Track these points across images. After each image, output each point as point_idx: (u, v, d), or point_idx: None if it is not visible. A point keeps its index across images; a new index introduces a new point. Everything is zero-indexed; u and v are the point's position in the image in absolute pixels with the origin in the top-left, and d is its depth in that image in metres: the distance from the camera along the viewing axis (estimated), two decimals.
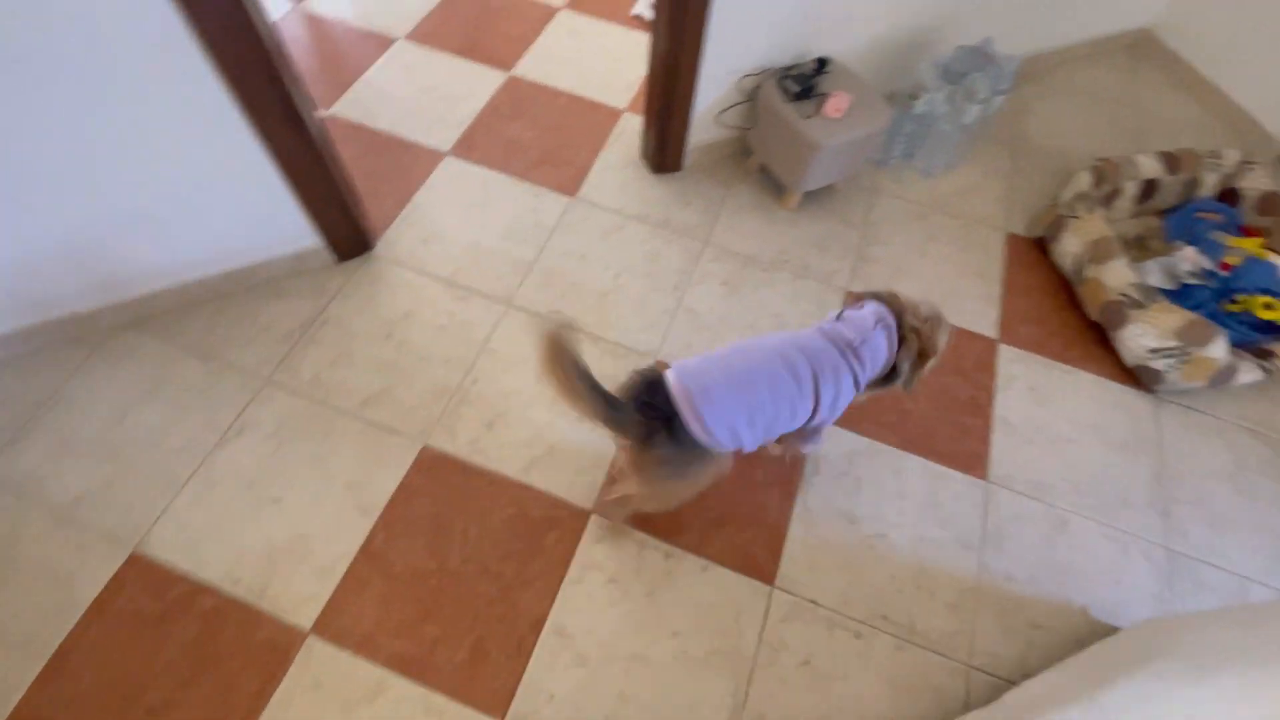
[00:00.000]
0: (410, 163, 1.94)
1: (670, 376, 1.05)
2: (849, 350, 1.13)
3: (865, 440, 1.56)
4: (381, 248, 1.76)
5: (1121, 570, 1.45)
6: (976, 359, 1.71)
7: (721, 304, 1.74)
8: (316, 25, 2.28)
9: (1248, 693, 0.83)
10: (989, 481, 1.53)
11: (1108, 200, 1.94)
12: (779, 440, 1.37)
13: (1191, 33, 2.39)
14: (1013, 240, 1.95)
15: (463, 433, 1.49)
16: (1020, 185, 2.08)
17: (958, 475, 1.53)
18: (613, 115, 2.11)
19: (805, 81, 1.72)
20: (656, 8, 1.59)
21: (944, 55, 1.83)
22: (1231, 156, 1.97)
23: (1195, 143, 2.26)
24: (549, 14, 2.39)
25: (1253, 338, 1.71)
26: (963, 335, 1.74)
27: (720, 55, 1.68)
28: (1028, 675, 1.30)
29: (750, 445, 1.11)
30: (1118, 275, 1.68)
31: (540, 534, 1.38)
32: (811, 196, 1.94)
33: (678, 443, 1.04)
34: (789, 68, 1.77)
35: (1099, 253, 1.72)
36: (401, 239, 1.78)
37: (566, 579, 1.34)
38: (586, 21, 2.38)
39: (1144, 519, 1.51)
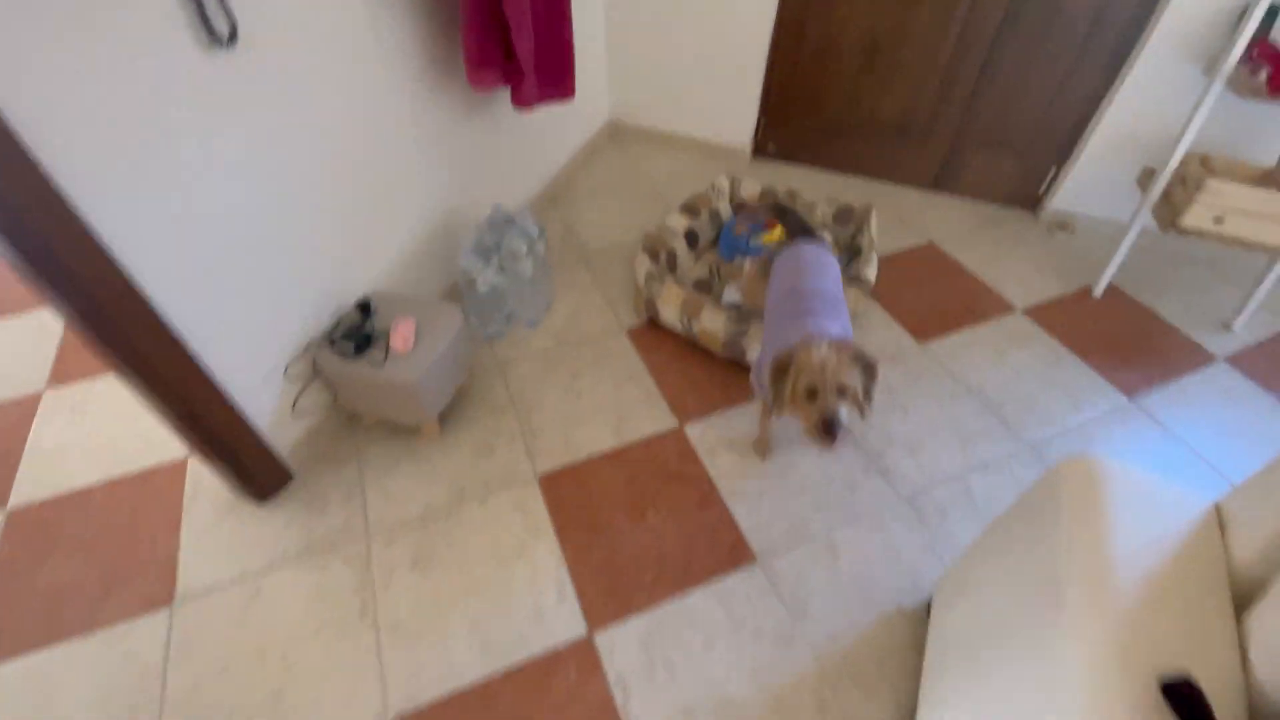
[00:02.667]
0: None
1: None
2: None
3: (645, 616, 1.41)
4: None
5: (892, 546, 1.54)
6: (678, 454, 1.72)
7: (426, 588, 1.45)
8: None
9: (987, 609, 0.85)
10: (757, 563, 1.51)
11: (671, 264, 2.19)
12: None
13: (640, 108, 2.95)
14: (634, 334, 2.07)
15: None
16: (609, 286, 2.25)
17: (735, 578, 1.47)
18: (176, 472, 1.69)
19: (358, 333, 1.58)
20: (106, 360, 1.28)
21: (470, 237, 1.88)
22: (722, 182, 2.42)
23: (694, 178, 2.76)
24: (30, 406, 1.87)
25: None
26: (655, 443, 1.75)
27: (238, 365, 1.44)
28: (915, 709, 1.27)
29: None
30: (714, 320, 1.87)
31: None
32: (446, 413, 1.80)
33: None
34: (332, 328, 1.61)
35: (691, 310, 1.91)
36: None
37: None
38: (85, 387, 1.93)
39: (872, 489, 1.65)
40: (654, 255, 2.12)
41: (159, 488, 1.66)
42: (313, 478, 1.67)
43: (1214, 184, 1.79)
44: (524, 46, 1.63)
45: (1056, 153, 2.42)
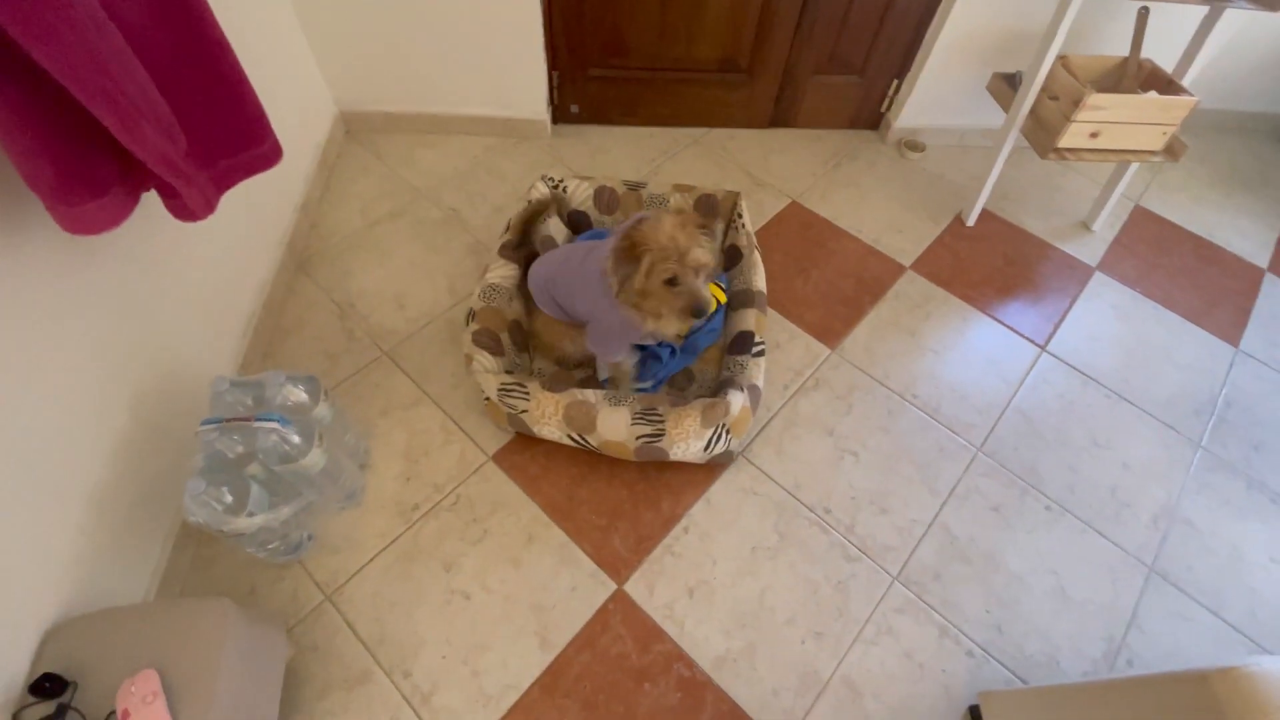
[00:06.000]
0: None
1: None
2: None
3: None
4: None
5: (907, 652, 1.30)
6: (634, 634, 1.28)
7: None
8: None
9: None
10: None
11: (520, 341, 1.59)
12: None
13: (379, 88, 2.08)
14: (505, 459, 1.50)
15: None
16: (441, 390, 1.60)
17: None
18: None
19: None
20: None
21: (196, 455, 1.12)
22: (540, 190, 1.78)
23: (490, 175, 2.07)
24: None
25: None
26: (597, 631, 1.28)
27: None
28: None
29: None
30: (616, 427, 1.37)
31: None
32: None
33: None
34: None
35: (580, 423, 1.38)
36: None
37: None
38: None
39: (862, 582, 1.38)
40: (494, 346, 1.50)
41: None
42: None
43: (1096, 99, 1.59)
44: (151, 142, 0.83)
45: (897, 66, 2.11)
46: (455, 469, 1.48)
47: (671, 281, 1.22)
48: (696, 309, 1.24)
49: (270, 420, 1.11)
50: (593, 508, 1.44)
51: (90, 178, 0.83)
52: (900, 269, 1.94)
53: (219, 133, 1.05)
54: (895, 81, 2.16)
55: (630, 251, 1.22)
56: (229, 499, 1.08)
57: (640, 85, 2.14)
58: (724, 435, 1.41)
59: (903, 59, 2.09)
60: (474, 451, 1.51)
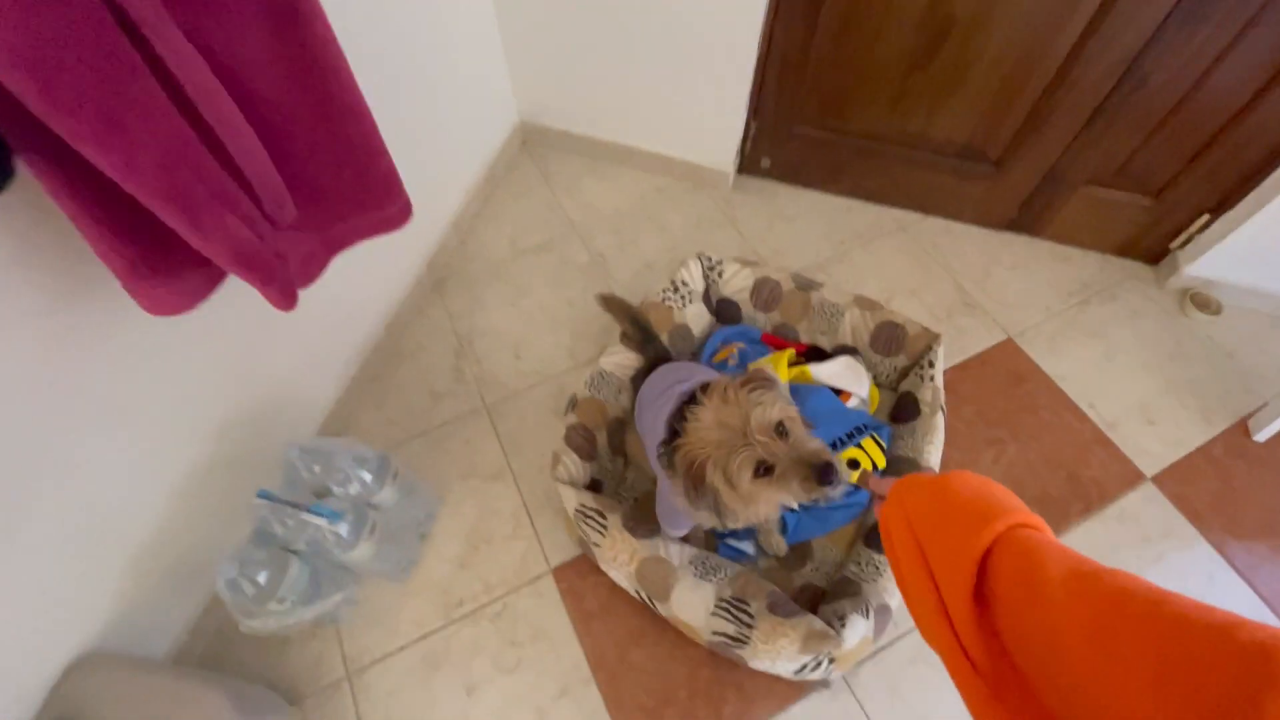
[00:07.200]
0: None
1: None
2: None
3: None
4: None
5: None
6: None
7: None
8: None
9: None
10: None
11: (617, 444, 1.39)
12: None
13: (560, 107, 1.93)
14: (565, 577, 1.31)
15: None
16: (527, 470, 1.44)
17: None
18: None
19: None
20: None
21: (249, 524, 1.05)
22: (690, 272, 1.53)
23: (652, 225, 1.85)
24: None
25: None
26: None
27: None
28: None
29: None
30: (693, 608, 1.12)
31: None
32: None
33: None
34: None
35: (653, 586, 1.14)
36: None
37: None
38: None
39: None
40: (586, 447, 1.30)
41: None
42: None
43: None
44: (227, 237, 0.70)
45: (1216, 197, 1.54)
46: (512, 571, 1.32)
47: (763, 468, 0.86)
48: (821, 471, 0.83)
49: (320, 516, 1.00)
50: (643, 680, 1.21)
51: (162, 263, 0.73)
52: (1138, 477, 1.43)
53: (342, 195, 0.92)
54: (1205, 216, 1.58)
55: (694, 477, 0.91)
56: (262, 582, 1.00)
57: (851, 153, 1.77)
58: (825, 664, 1.10)
59: (1227, 191, 1.52)
60: (537, 557, 1.34)
